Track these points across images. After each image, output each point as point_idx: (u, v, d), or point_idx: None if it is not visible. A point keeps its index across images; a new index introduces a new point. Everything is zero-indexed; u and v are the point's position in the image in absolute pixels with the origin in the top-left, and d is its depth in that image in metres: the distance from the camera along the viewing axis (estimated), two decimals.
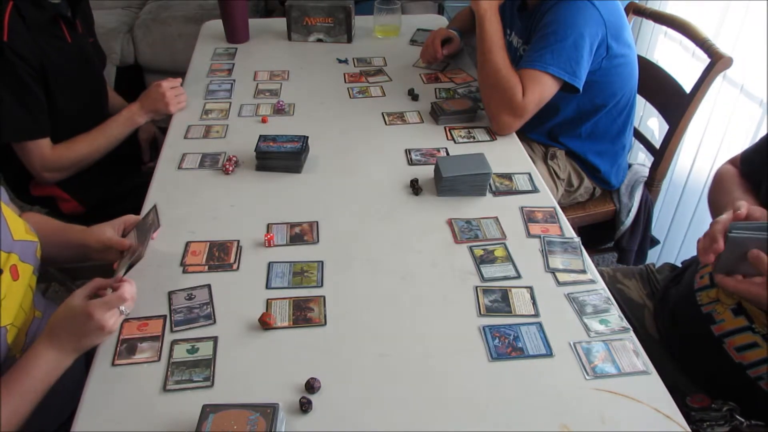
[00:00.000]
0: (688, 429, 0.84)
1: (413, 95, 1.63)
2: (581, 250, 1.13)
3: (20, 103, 1.35)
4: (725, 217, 0.94)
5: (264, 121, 1.52)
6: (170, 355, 0.92)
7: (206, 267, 1.08)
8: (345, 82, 1.72)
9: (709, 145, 1.89)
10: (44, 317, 1.00)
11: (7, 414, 0.82)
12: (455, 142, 1.45)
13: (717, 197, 1.17)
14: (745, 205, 0.95)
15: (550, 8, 1.45)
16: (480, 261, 1.10)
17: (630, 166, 1.82)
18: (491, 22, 1.46)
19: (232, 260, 1.10)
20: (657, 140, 1.78)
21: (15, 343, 0.92)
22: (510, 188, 1.29)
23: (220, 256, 1.10)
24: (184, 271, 1.07)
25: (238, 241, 1.13)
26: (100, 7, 3.06)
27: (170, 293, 1.02)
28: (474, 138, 1.47)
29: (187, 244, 1.13)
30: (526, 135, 1.69)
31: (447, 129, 1.50)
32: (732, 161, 1.22)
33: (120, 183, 1.65)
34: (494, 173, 1.31)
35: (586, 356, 0.92)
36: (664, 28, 1.94)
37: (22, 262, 0.94)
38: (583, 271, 1.08)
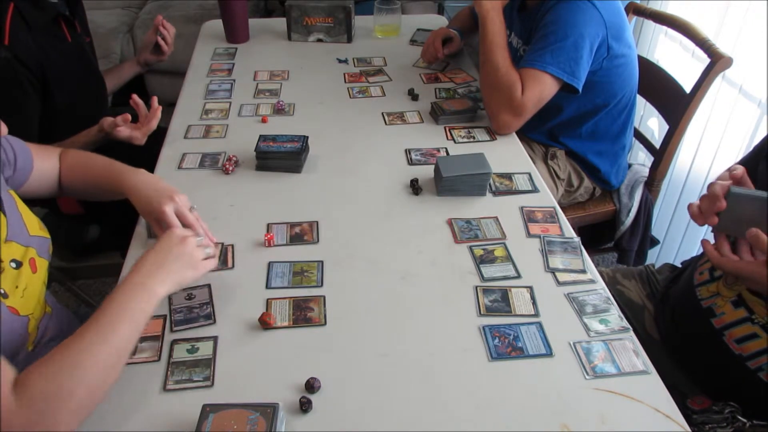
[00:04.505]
0: (688, 429, 0.84)
1: (413, 95, 1.63)
2: (581, 250, 1.13)
3: (17, 109, 1.34)
4: (723, 181, 0.94)
5: (264, 121, 1.52)
6: (170, 355, 0.92)
7: None
8: (345, 82, 1.72)
9: (709, 145, 1.89)
10: (53, 314, 1.01)
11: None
12: (455, 142, 1.45)
13: None
14: (741, 168, 0.96)
15: (551, 8, 1.45)
16: (480, 261, 1.10)
17: (630, 166, 1.82)
18: (493, 22, 1.46)
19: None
20: (657, 140, 1.78)
21: (30, 334, 0.93)
22: (510, 188, 1.29)
23: None
24: None
25: (222, 243, 1.13)
26: (100, 7, 3.06)
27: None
28: (474, 138, 1.47)
29: None
30: (526, 135, 1.69)
31: (447, 129, 1.50)
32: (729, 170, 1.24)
33: None
34: (494, 173, 1.31)
35: (586, 356, 0.92)
36: (664, 28, 1.94)
37: (39, 256, 0.95)
38: (583, 271, 1.08)
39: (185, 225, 1.07)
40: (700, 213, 0.95)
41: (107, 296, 0.85)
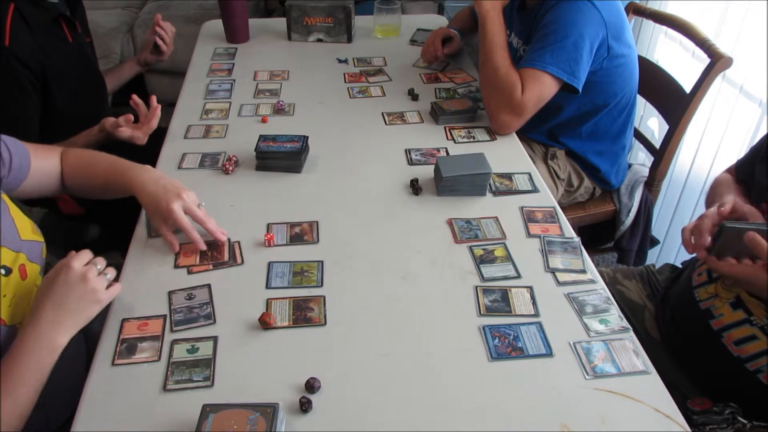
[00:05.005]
0: (688, 429, 0.84)
1: (413, 95, 1.63)
2: (581, 250, 1.13)
3: (17, 109, 1.34)
4: (713, 210, 0.95)
5: (264, 121, 1.52)
6: (170, 355, 0.92)
7: (210, 266, 1.08)
8: (345, 81, 1.72)
9: (709, 145, 1.89)
10: None
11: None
12: (455, 142, 1.45)
13: (713, 201, 1.18)
14: (730, 201, 0.97)
15: (551, 8, 1.45)
16: (480, 261, 1.10)
17: (630, 166, 1.82)
18: (493, 22, 1.46)
19: (226, 258, 1.09)
20: (657, 140, 1.78)
21: None
22: (510, 188, 1.29)
23: (213, 255, 1.10)
24: (189, 272, 1.07)
25: (229, 239, 1.13)
26: (100, 7, 3.06)
27: (170, 293, 1.02)
28: (474, 138, 1.47)
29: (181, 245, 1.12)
30: (526, 135, 1.69)
31: (447, 129, 1.50)
32: (728, 170, 1.24)
33: None
34: (494, 173, 1.31)
35: (586, 356, 0.92)
36: (664, 28, 1.94)
37: (29, 261, 0.94)
38: (583, 271, 1.08)
39: (194, 221, 1.08)
40: (690, 242, 0.97)
41: (11, 348, 0.84)
